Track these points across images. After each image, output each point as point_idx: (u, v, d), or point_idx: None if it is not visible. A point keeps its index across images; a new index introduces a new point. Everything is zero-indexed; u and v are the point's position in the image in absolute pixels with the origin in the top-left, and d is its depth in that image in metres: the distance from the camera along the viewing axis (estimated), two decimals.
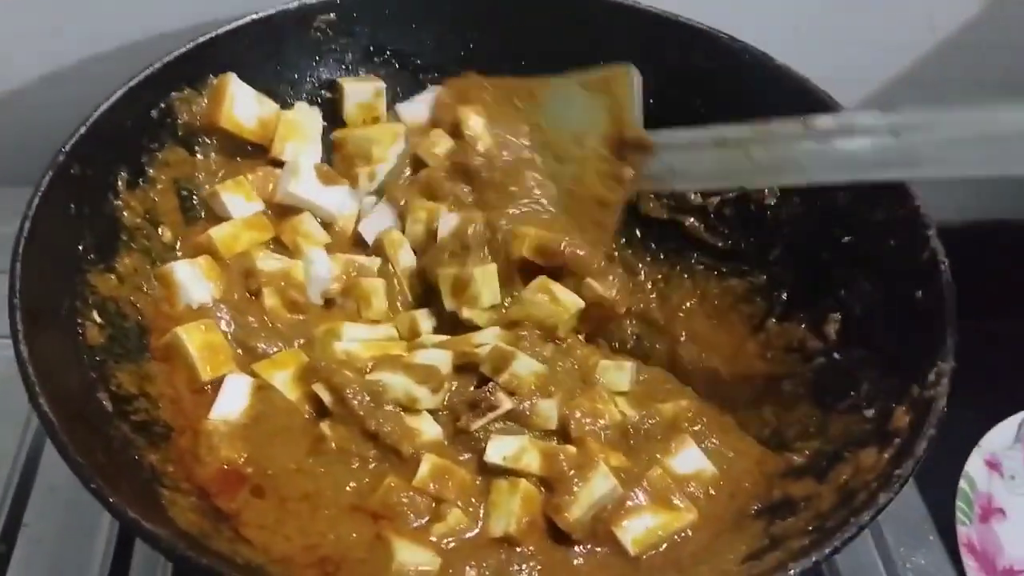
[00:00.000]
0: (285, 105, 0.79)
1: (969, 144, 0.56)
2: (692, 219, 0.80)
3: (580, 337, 0.75)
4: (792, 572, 0.49)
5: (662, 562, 0.60)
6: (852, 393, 0.64)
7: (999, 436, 0.89)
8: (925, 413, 0.56)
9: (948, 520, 0.82)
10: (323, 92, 0.82)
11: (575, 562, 0.61)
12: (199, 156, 0.76)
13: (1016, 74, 1.04)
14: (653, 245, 0.82)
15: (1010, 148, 0.55)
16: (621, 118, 0.73)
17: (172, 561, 0.65)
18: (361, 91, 0.81)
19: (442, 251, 0.73)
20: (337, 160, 0.80)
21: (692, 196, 0.79)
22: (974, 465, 0.87)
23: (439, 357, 0.67)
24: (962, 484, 0.85)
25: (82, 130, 0.66)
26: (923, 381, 0.58)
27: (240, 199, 0.75)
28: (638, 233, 0.83)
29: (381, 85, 0.82)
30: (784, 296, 0.74)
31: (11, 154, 0.92)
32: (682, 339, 0.77)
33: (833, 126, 0.61)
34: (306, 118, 0.79)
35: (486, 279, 0.72)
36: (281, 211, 0.76)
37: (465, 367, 0.68)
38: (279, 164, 0.78)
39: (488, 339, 0.70)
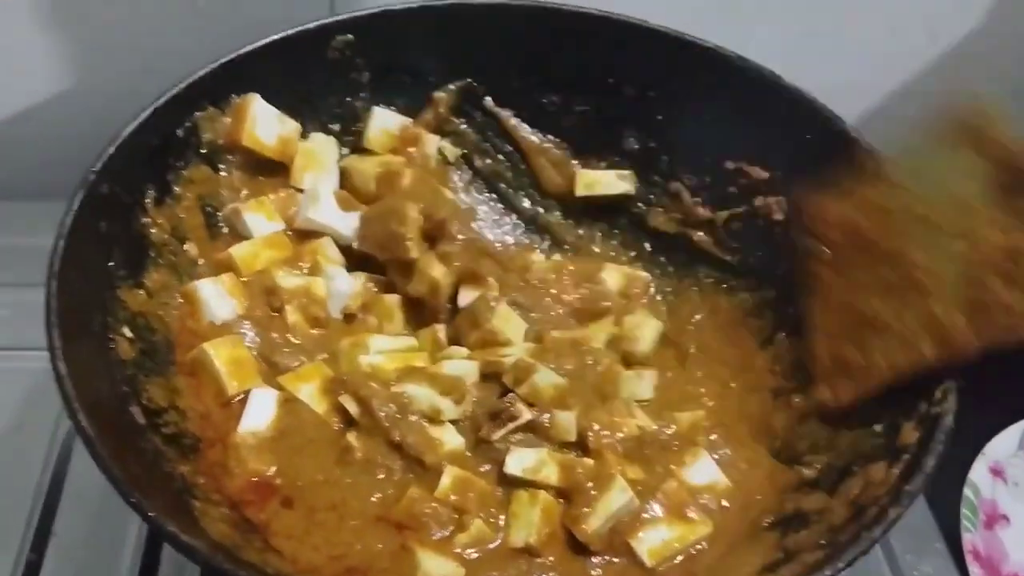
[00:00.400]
0: (304, 123, 0.81)
1: None
2: (701, 233, 0.82)
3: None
4: None
5: (679, 574, 0.62)
6: (860, 408, 0.66)
7: (1003, 444, 0.91)
8: (933, 429, 0.58)
9: (954, 527, 0.83)
10: (337, 110, 0.83)
11: (593, 573, 0.63)
12: (223, 173, 0.77)
13: (1016, 83, 1.06)
14: (663, 259, 0.84)
15: None
16: (1002, 150, 0.60)
17: (208, 572, 0.67)
18: (390, 119, 0.84)
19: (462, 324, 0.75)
20: (347, 188, 0.82)
21: (701, 210, 0.81)
22: (978, 473, 0.88)
23: (466, 368, 0.69)
24: (967, 491, 0.87)
25: (111, 150, 0.67)
26: (930, 398, 0.60)
27: (261, 218, 0.77)
28: (647, 247, 0.85)
29: (408, 121, 0.84)
30: (793, 311, 0.75)
31: (37, 168, 0.94)
32: (692, 352, 0.78)
33: None
34: (322, 147, 0.81)
35: (510, 325, 0.74)
36: (301, 235, 0.78)
37: (491, 376, 0.70)
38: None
39: (515, 350, 0.72)
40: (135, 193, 0.71)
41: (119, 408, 0.61)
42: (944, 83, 1.05)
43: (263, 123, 0.78)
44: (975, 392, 0.87)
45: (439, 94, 0.85)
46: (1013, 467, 0.90)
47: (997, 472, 0.90)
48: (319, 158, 0.81)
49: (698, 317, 0.80)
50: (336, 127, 0.83)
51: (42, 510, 0.74)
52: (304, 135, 0.81)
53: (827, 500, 0.61)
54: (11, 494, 0.75)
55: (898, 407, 0.62)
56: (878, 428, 0.63)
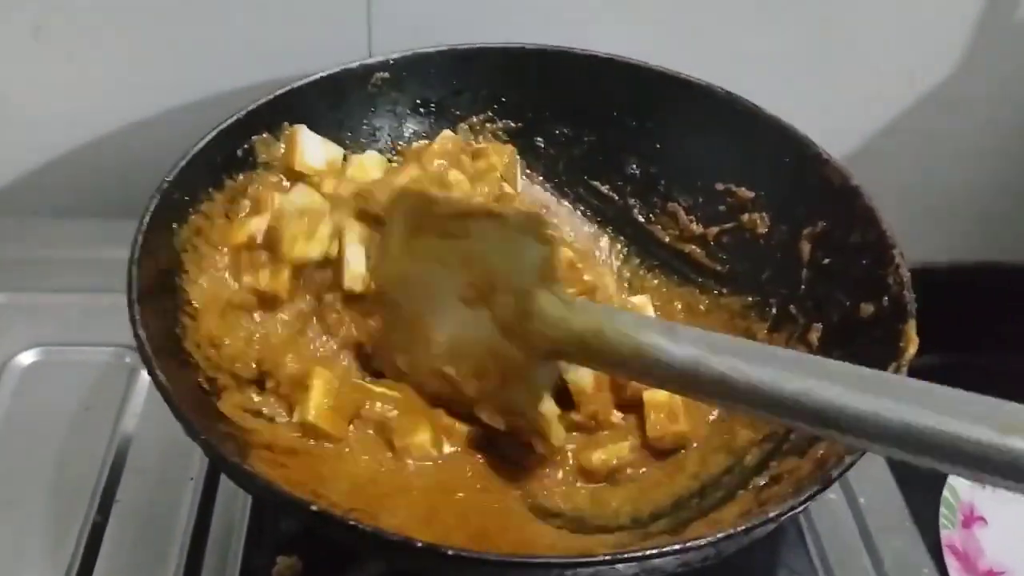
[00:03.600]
0: (346, 147, 0.91)
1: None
2: (694, 246, 0.91)
3: None
4: (771, 514, 0.59)
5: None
6: None
7: None
8: None
9: (931, 522, 0.90)
10: (374, 138, 0.93)
11: None
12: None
13: (989, 126, 1.15)
14: (660, 267, 0.93)
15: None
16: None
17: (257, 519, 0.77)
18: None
19: None
20: None
21: (694, 227, 0.91)
22: (957, 477, 0.96)
23: None
24: (945, 493, 0.94)
25: (182, 163, 0.78)
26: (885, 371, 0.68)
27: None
28: (654, 260, 0.94)
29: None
30: (774, 311, 0.84)
31: (101, 191, 1.06)
32: None
33: None
34: (374, 163, 0.91)
35: None
36: None
37: None
38: None
39: None
40: (199, 200, 0.80)
41: (187, 374, 0.71)
42: (922, 123, 1.15)
43: (311, 150, 0.87)
44: None
45: (463, 125, 0.96)
46: None
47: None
48: (370, 173, 0.89)
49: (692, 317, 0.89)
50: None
51: (107, 479, 0.83)
52: (348, 147, 0.91)
53: (797, 462, 0.68)
54: (80, 466, 0.84)
55: None
56: None
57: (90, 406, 0.89)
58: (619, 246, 0.95)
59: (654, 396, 0.79)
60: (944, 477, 0.94)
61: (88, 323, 0.95)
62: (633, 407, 0.80)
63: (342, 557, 0.77)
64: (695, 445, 0.78)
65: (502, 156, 0.92)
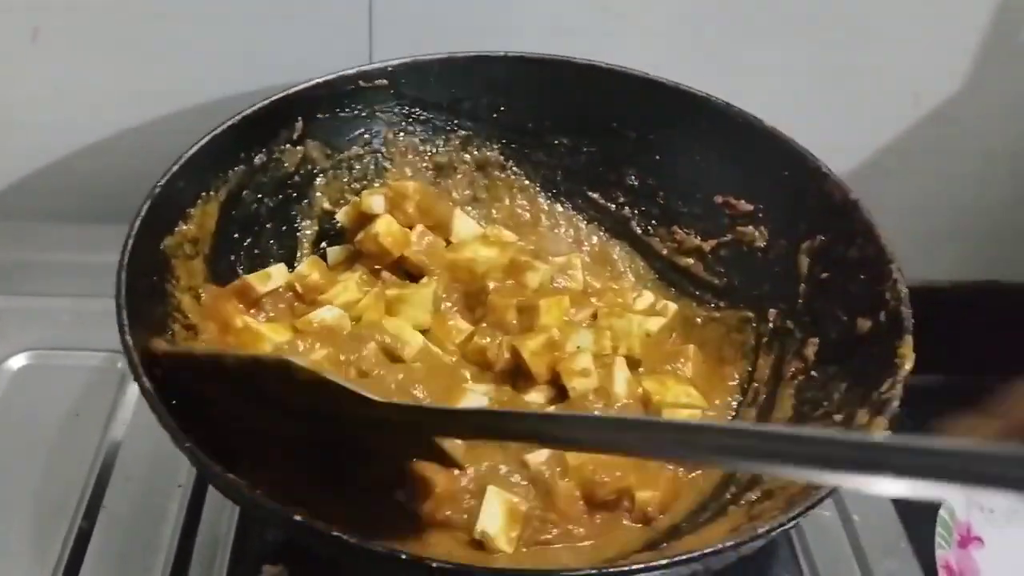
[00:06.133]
0: (341, 152, 0.92)
1: None
2: (691, 259, 0.91)
3: None
4: (760, 531, 0.58)
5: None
6: (825, 403, 0.73)
7: None
8: (881, 411, 0.66)
9: (927, 543, 0.89)
10: (366, 147, 0.93)
11: None
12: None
13: (992, 146, 1.15)
14: (660, 279, 0.93)
15: None
16: None
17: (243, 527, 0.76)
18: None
19: None
20: None
21: (692, 239, 0.90)
22: (954, 498, 0.95)
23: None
24: (942, 513, 0.92)
25: (174, 168, 0.77)
26: (881, 388, 0.67)
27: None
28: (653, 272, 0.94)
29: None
30: (771, 325, 0.83)
31: (97, 197, 1.05)
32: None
33: None
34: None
35: None
36: None
37: None
38: None
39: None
40: (191, 204, 0.80)
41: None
42: (926, 143, 1.14)
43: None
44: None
45: (462, 132, 0.95)
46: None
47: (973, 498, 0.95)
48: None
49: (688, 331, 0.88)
50: (368, 160, 0.93)
51: (94, 486, 0.82)
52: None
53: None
54: (67, 472, 0.83)
55: (855, 399, 0.70)
56: (838, 418, 0.70)
57: (79, 411, 0.88)
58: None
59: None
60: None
61: (79, 328, 0.94)
62: None
63: (328, 566, 0.76)
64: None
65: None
